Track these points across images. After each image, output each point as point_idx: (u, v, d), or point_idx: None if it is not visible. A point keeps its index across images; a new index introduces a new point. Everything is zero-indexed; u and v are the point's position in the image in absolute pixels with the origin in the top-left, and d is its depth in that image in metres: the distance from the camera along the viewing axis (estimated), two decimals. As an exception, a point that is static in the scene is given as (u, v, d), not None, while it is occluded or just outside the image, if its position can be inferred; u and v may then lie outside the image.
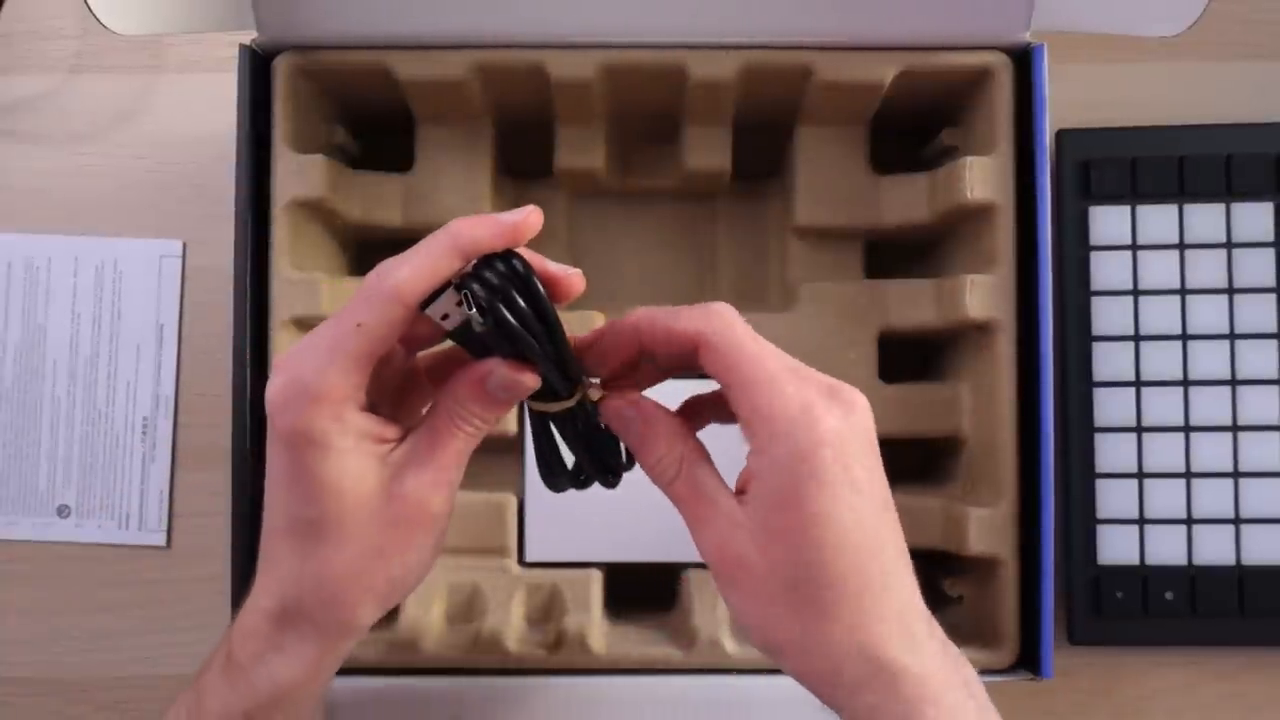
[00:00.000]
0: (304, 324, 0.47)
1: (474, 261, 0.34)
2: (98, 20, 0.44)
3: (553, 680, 0.46)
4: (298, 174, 0.47)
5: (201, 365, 0.54)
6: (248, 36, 0.46)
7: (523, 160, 0.53)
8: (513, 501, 0.49)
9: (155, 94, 0.56)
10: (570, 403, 0.36)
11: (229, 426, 0.45)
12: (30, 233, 0.55)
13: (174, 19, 0.46)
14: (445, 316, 0.34)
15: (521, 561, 0.49)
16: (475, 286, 0.33)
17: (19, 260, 0.55)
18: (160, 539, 0.54)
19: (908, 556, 0.35)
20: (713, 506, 0.34)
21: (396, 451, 0.35)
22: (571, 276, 0.36)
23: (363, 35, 0.46)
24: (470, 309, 0.33)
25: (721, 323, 0.35)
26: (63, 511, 0.54)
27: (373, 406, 0.36)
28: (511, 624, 0.47)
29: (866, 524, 0.33)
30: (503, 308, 0.33)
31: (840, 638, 0.33)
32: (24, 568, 0.54)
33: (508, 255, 0.34)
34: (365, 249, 0.54)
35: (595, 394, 0.37)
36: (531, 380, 0.35)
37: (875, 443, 0.35)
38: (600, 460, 0.38)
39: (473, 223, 0.34)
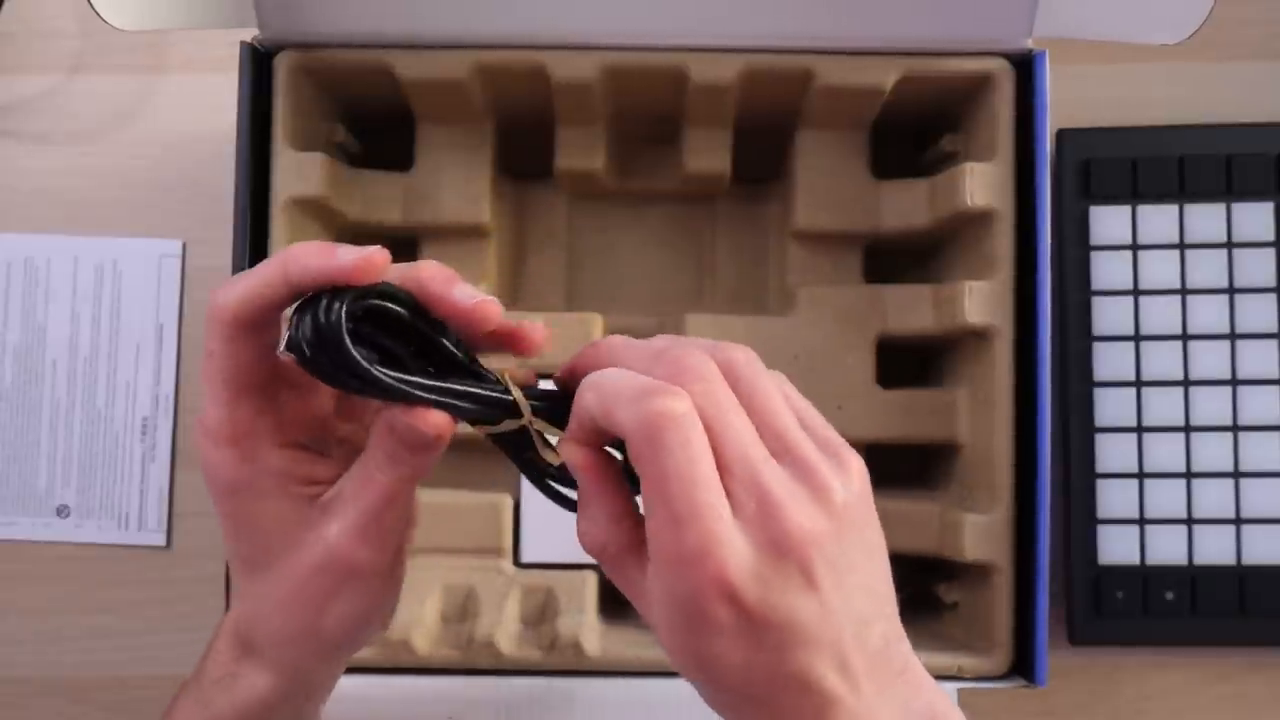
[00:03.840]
0: (304, 323, 0.47)
1: (324, 293, 0.30)
2: (98, 15, 0.44)
3: (547, 681, 0.46)
4: (297, 172, 0.47)
5: (201, 365, 0.54)
6: (249, 34, 0.46)
7: (523, 161, 0.53)
8: (508, 502, 0.49)
9: (155, 94, 0.56)
10: (495, 428, 0.33)
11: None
12: (30, 232, 0.55)
13: (175, 15, 0.46)
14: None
15: (517, 562, 0.49)
16: (296, 317, 0.30)
17: (19, 260, 0.55)
18: (160, 539, 0.54)
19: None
20: (638, 597, 0.31)
21: (330, 492, 0.33)
22: (483, 306, 0.32)
23: (364, 34, 0.46)
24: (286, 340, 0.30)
25: (657, 430, 0.28)
26: (62, 512, 0.54)
27: (306, 444, 0.34)
28: (506, 625, 0.47)
29: (767, 657, 0.29)
30: (306, 346, 0.29)
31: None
32: (24, 568, 0.54)
33: (363, 291, 0.30)
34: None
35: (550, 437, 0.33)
36: (434, 425, 0.30)
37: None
38: (551, 492, 0.35)
39: (306, 250, 0.30)
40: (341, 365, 0.29)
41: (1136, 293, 0.51)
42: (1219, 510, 0.51)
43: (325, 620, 0.34)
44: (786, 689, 0.29)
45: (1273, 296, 0.51)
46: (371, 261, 0.30)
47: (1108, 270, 0.52)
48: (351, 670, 0.45)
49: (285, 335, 0.30)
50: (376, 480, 0.32)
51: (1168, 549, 0.51)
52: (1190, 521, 0.51)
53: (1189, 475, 0.51)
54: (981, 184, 0.47)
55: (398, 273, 0.32)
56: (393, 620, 0.45)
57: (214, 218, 0.55)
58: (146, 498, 0.54)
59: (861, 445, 0.51)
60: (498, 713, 0.46)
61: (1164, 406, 0.51)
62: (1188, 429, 0.51)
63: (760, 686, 0.29)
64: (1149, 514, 0.51)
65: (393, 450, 0.32)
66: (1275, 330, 0.51)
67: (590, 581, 0.48)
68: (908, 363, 0.53)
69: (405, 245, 0.52)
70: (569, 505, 0.34)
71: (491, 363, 0.34)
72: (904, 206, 0.50)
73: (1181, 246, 0.51)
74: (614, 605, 0.50)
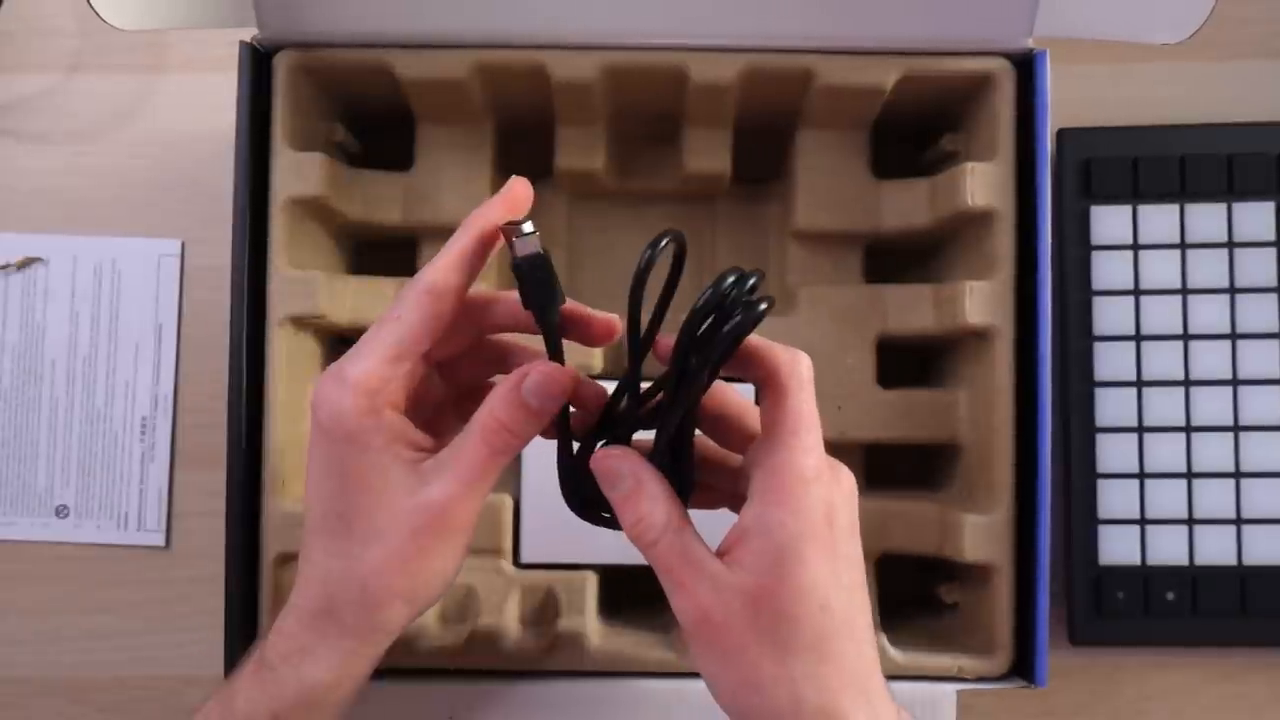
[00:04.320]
0: (301, 323, 0.47)
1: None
2: (98, 15, 0.44)
3: (547, 682, 0.46)
4: (297, 172, 0.47)
5: (200, 365, 0.54)
6: (248, 34, 0.46)
7: (523, 160, 0.53)
8: (509, 503, 0.49)
9: (155, 93, 0.56)
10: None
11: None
12: (29, 232, 0.55)
13: (174, 15, 0.46)
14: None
15: (517, 563, 0.49)
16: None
17: (18, 259, 0.55)
18: (159, 539, 0.54)
19: (872, 631, 0.36)
20: (698, 572, 0.34)
21: (429, 461, 0.36)
22: (607, 321, 0.38)
23: (364, 34, 0.46)
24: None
25: (799, 369, 0.35)
26: (61, 512, 0.54)
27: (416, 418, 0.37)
28: (506, 625, 0.47)
29: (848, 596, 0.34)
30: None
31: (809, 696, 0.33)
32: (23, 568, 0.54)
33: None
34: (364, 248, 0.54)
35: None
36: (566, 379, 0.35)
37: (857, 522, 0.36)
38: (581, 497, 0.38)
39: (482, 209, 0.36)
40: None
41: (1137, 292, 0.51)
42: (1220, 510, 0.51)
43: (417, 576, 0.36)
44: (864, 613, 0.35)
45: (1274, 296, 0.51)
46: (516, 191, 0.37)
47: (1108, 270, 0.52)
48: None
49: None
50: (484, 445, 0.35)
51: (1168, 549, 0.51)
52: (1191, 521, 0.51)
53: (1190, 475, 0.51)
54: (982, 184, 0.47)
55: None
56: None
57: (213, 217, 0.55)
58: (146, 498, 0.54)
59: (861, 445, 0.51)
60: (498, 713, 0.46)
61: (1165, 406, 0.51)
62: (1188, 429, 0.51)
63: (850, 608, 0.34)
64: (1150, 514, 0.51)
65: (519, 410, 0.35)
66: (1276, 330, 0.51)
67: (590, 581, 0.48)
68: (908, 363, 0.53)
69: (405, 245, 0.52)
70: (596, 513, 0.38)
71: None
72: (904, 206, 0.50)
73: (1182, 246, 0.51)
74: (614, 605, 0.50)
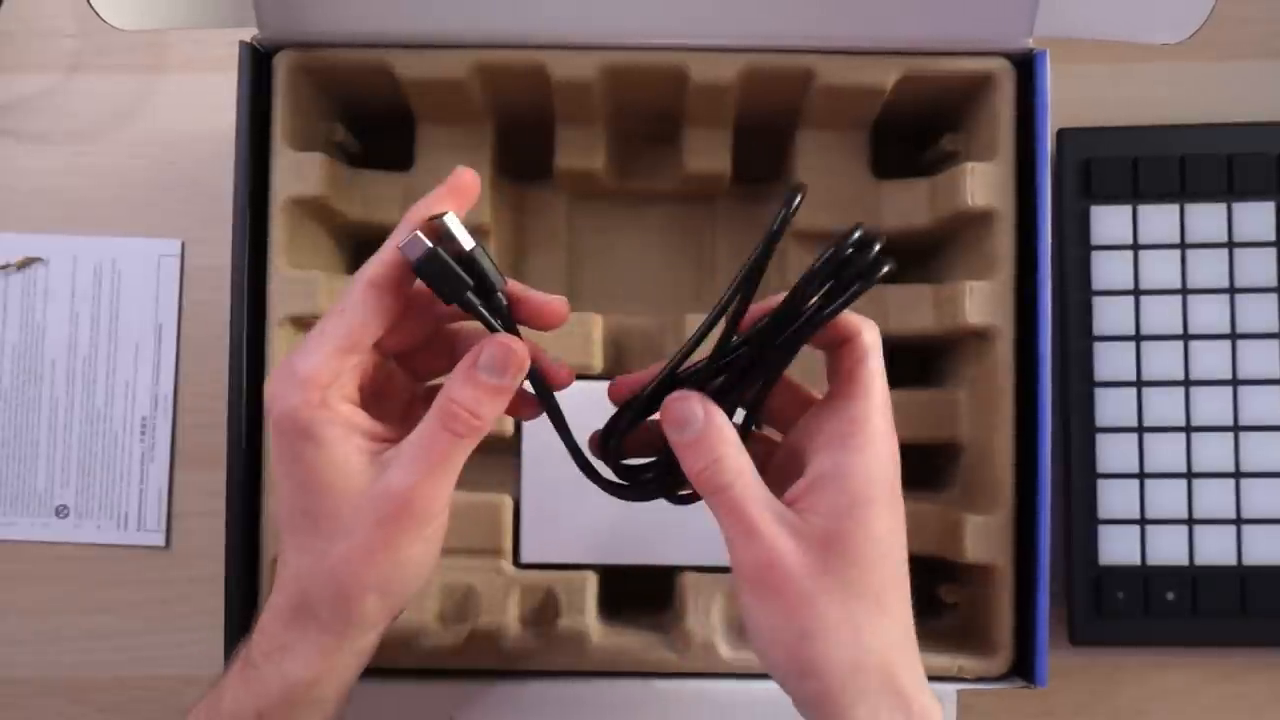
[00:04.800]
0: (301, 322, 0.47)
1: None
2: (98, 15, 0.44)
3: (547, 682, 0.46)
4: (296, 172, 0.47)
5: (200, 365, 0.54)
6: (248, 34, 0.46)
7: (523, 160, 0.53)
8: (508, 503, 0.49)
9: (155, 93, 0.56)
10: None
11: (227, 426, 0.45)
12: (29, 232, 0.55)
13: (174, 15, 0.46)
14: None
15: (517, 563, 0.49)
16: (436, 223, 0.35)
17: (18, 259, 0.55)
18: (159, 539, 0.54)
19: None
20: (771, 517, 0.34)
21: (390, 450, 0.35)
22: (552, 304, 0.38)
23: (364, 34, 0.46)
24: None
25: (876, 336, 0.37)
26: (61, 512, 0.54)
27: (371, 409, 0.36)
28: (507, 625, 0.47)
29: (902, 554, 0.36)
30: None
31: (871, 646, 0.34)
32: (23, 568, 0.54)
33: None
34: (364, 248, 0.54)
35: None
36: (522, 351, 0.35)
37: None
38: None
39: (424, 200, 0.36)
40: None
41: (1137, 293, 0.51)
42: (1220, 510, 0.51)
43: (386, 569, 0.35)
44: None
45: (1274, 296, 0.51)
46: (461, 179, 0.36)
47: (1108, 270, 0.52)
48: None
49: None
50: (445, 431, 0.35)
51: (1168, 549, 0.51)
52: (1191, 521, 0.51)
53: (1190, 475, 0.51)
54: (982, 184, 0.47)
55: None
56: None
57: (213, 217, 0.55)
58: (145, 498, 0.54)
59: (861, 445, 0.51)
60: (498, 713, 0.46)
61: (1165, 406, 0.51)
62: (1188, 429, 0.51)
63: (903, 563, 0.35)
64: (1150, 514, 0.51)
65: (477, 388, 0.35)
66: (1276, 330, 0.51)
67: (590, 581, 0.48)
68: (908, 363, 0.53)
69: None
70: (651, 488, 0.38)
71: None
72: (904, 206, 0.50)
73: (1182, 246, 0.51)
74: (614, 605, 0.50)
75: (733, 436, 0.35)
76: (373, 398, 0.37)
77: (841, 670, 0.33)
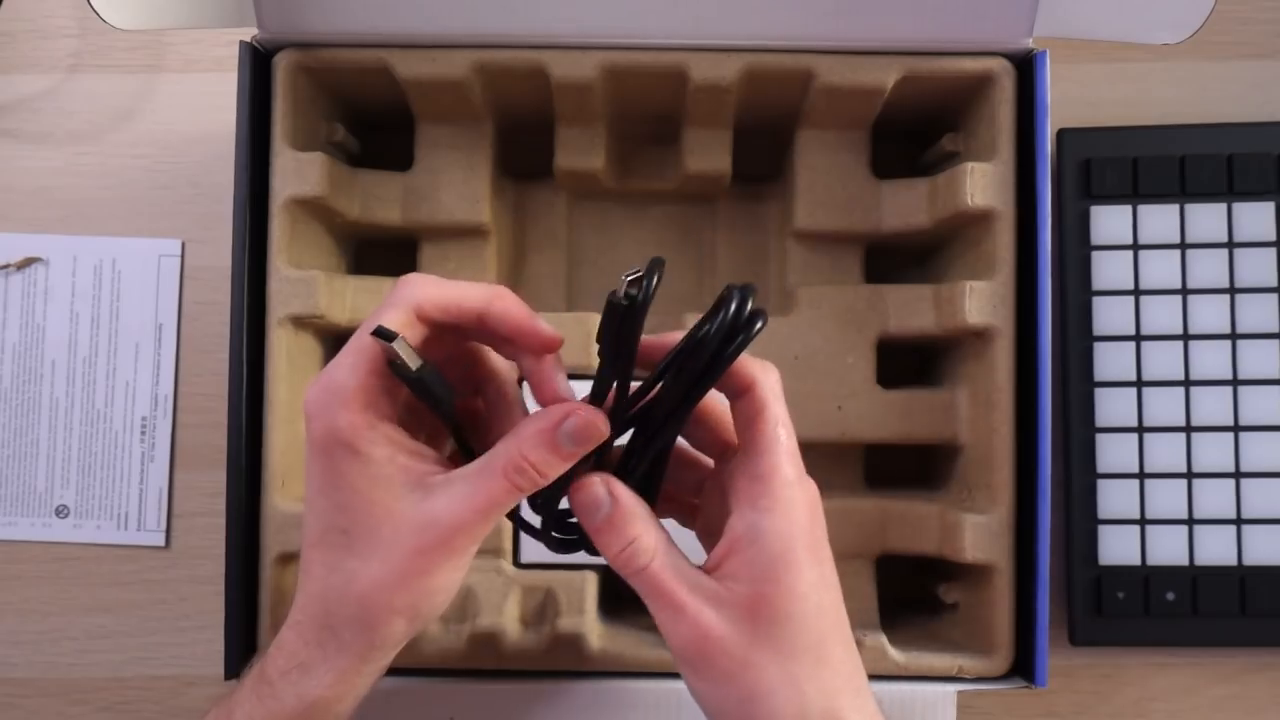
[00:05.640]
0: (301, 322, 0.47)
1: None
2: (97, 15, 0.44)
3: (547, 682, 0.46)
4: (296, 172, 0.47)
5: (200, 365, 0.54)
6: (248, 34, 0.46)
7: (523, 160, 0.53)
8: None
9: (155, 93, 0.56)
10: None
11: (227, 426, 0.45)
12: (29, 232, 0.55)
13: (174, 15, 0.46)
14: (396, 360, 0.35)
15: (516, 563, 0.49)
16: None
17: (18, 259, 0.55)
18: (159, 539, 0.54)
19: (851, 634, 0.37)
20: (695, 591, 0.34)
21: (440, 477, 0.35)
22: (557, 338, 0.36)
23: (364, 33, 0.46)
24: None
25: (774, 380, 0.36)
26: (61, 512, 0.54)
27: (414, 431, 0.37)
28: (506, 625, 0.47)
29: (834, 598, 0.35)
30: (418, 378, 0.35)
31: (814, 699, 0.34)
32: (23, 568, 0.54)
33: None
34: (364, 248, 0.54)
35: None
36: (605, 429, 0.34)
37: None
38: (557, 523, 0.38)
39: (513, 304, 0.35)
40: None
41: (1137, 292, 0.51)
42: (1220, 510, 0.51)
43: (417, 594, 0.35)
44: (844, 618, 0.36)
45: (1273, 296, 0.51)
46: (548, 337, 0.35)
47: (1108, 270, 0.52)
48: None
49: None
50: (505, 478, 0.34)
51: (1168, 549, 0.51)
52: (1191, 522, 0.51)
53: (1190, 475, 0.51)
54: (982, 184, 0.47)
55: (482, 294, 0.36)
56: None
57: (213, 217, 0.55)
58: (146, 498, 0.54)
59: (861, 445, 0.51)
60: (498, 713, 0.46)
61: (1165, 406, 0.51)
62: (1188, 429, 0.51)
63: (839, 611, 0.35)
64: (1150, 514, 0.51)
65: (550, 451, 0.34)
66: (1276, 330, 0.51)
67: (590, 581, 0.48)
68: (908, 363, 0.53)
69: (405, 245, 0.52)
70: (576, 545, 0.38)
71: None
72: (904, 206, 0.50)
73: (1182, 246, 0.51)
74: (614, 605, 0.50)
75: (643, 512, 0.35)
76: (405, 413, 0.37)
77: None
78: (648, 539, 0.34)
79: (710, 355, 0.33)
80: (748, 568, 0.34)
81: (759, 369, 0.36)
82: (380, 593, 0.34)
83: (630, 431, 0.36)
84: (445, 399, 0.35)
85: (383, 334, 0.34)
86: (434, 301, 0.35)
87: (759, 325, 0.33)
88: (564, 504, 0.37)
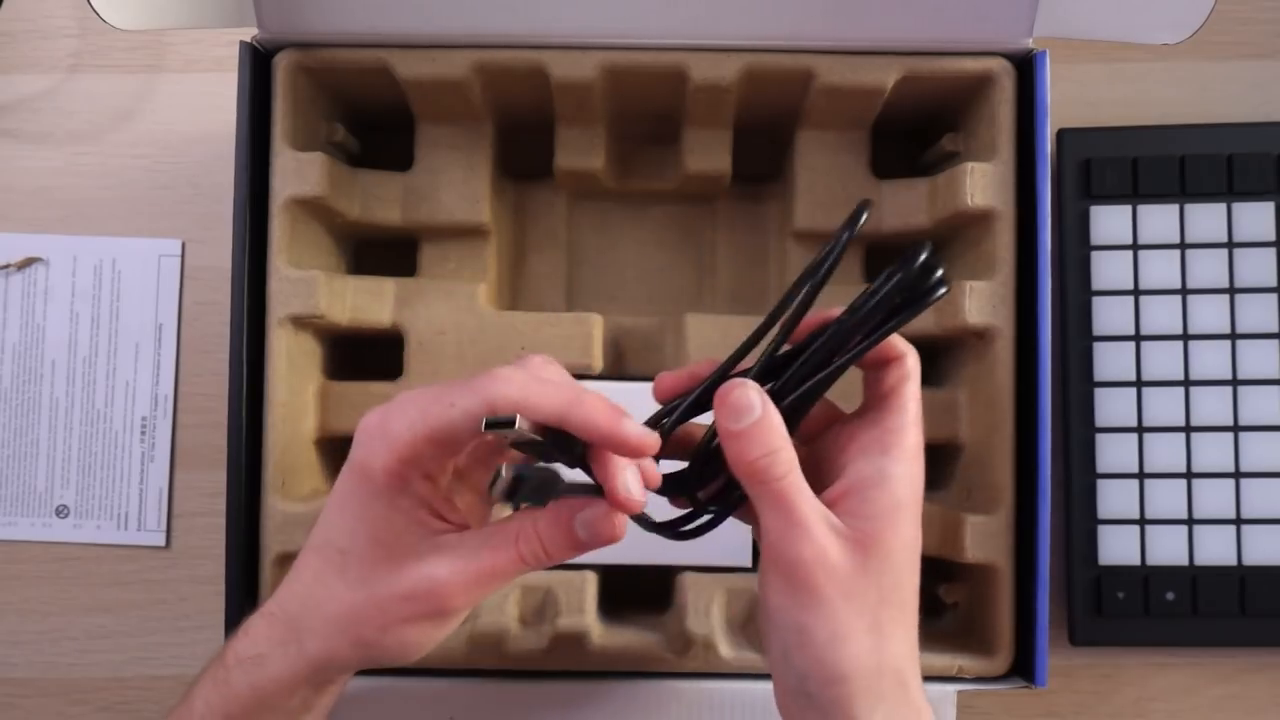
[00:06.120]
0: (301, 322, 0.47)
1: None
2: (98, 15, 0.44)
3: (547, 682, 0.46)
4: (296, 172, 0.47)
5: (200, 365, 0.54)
6: (248, 34, 0.46)
7: (523, 160, 0.53)
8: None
9: (155, 93, 0.56)
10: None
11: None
12: (29, 232, 0.55)
13: (175, 15, 0.46)
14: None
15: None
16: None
17: (18, 259, 0.55)
18: (159, 539, 0.54)
19: None
20: (818, 514, 0.35)
21: (450, 535, 0.35)
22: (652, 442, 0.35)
23: (364, 33, 0.46)
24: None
25: (918, 362, 0.38)
26: (61, 512, 0.54)
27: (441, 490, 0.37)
28: (507, 625, 0.46)
29: (919, 566, 0.37)
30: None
31: (890, 655, 0.34)
32: (23, 568, 0.54)
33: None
34: (364, 248, 0.54)
35: None
36: (622, 530, 0.35)
37: None
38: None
39: (594, 412, 0.34)
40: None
41: (1137, 292, 0.51)
42: (1219, 510, 0.51)
43: (386, 638, 0.35)
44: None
45: (1273, 296, 0.51)
46: (643, 443, 0.34)
47: (1108, 270, 0.52)
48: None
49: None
50: (514, 551, 0.35)
51: (1168, 549, 0.51)
52: (1191, 522, 0.51)
53: (1189, 475, 0.51)
54: (982, 184, 0.47)
55: (561, 401, 0.35)
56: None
57: (213, 217, 0.55)
58: (146, 498, 0.54)
59: (861, 445, 0.51)
60: (498, 713, 0.46)
61: (1164, 406, 0.51)
62: (1188, 429, 0.51)
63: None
64: (1149, 514, 0.51)
65: (563, 537, 0.35)
66: (1276, 330, 0.51)
67: (590, 581, 0.48)
68: (908, 363, 0.52)
69: (405, 245, 0.52)
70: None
71: None
72: (904, 206, 0.50)
73: (1182, 246, 0.51)
74: (614, 605, 0.50)
75: (785, 431, 0.35)
76: (454, 480, 0.37)
77: (865, 675, 0.34)
78: (789, 451, 0.35)
79: (898, 305, 0.35)
80: (868, 506, 0.35)
81: (908, 347, 0.38)
82: (353, 621, 0.35)
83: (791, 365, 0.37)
84: (575, 451, 0.35)
85: (498, 424, 0.33)
86: (511, 404, 0.34)
87: (942, 290, 0.35)
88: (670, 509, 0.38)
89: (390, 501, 0.35)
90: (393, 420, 0.34)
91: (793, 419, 0.36)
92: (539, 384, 0.34)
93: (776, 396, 0.36)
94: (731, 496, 0.38)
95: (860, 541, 0.34)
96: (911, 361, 0.37)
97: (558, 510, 0.35)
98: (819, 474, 0.37)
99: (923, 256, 0.35)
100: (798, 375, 0.36)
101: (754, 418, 0.35)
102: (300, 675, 0.36)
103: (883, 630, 0.34)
